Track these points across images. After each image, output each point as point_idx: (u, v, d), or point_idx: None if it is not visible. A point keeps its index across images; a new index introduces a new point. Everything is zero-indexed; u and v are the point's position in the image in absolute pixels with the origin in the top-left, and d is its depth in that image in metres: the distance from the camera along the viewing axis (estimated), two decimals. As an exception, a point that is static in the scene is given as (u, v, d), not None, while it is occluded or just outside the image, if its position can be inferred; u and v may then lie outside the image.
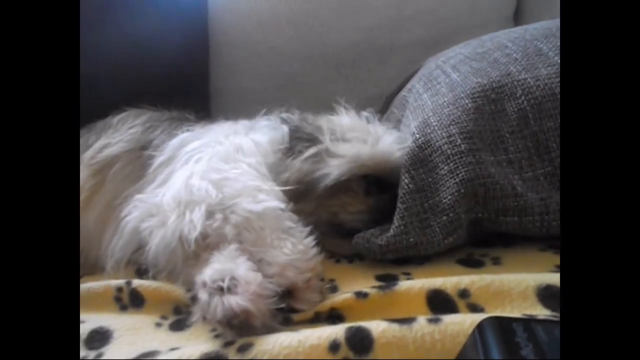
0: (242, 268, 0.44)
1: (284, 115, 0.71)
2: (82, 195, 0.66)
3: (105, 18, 0.95)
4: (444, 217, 0.54)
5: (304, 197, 0.59)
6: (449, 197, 0.54)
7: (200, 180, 0.54)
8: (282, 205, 0.54)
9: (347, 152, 0.61)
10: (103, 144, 0.68)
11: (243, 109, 0.79)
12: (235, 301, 0.40)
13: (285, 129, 0.67)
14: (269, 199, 0.53)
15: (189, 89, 1.02)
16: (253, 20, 1.08)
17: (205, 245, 0.51)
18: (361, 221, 0.60)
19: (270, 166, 0.61)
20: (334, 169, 0.59)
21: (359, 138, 0.64)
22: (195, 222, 0.50)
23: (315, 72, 1.11)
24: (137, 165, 0.66)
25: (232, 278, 0.42)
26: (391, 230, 0.55)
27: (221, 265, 0.45)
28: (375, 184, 0.63)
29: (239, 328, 0.40)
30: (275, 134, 0.67)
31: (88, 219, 0.66)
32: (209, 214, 0.51)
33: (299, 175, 0.60)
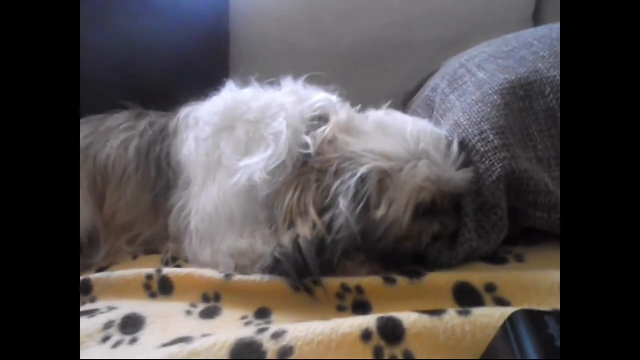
0: None
1: None
2: None
3: (128, 16, 0.97)
4: (493, 217, 0.53)
5: None
6: (491, 197, 0.53)
7: None
8: None
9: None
10: None
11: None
12: None
13: None
14: None
15: (209, 85, 1.03)
16: (272, 18, 1.09)
17: None
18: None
19: None
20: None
21: None
22: None
23: (332, 69, 1.10)
24: None
25: None
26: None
27: None
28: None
29: None
30: None
31: None
32: None
33: None
